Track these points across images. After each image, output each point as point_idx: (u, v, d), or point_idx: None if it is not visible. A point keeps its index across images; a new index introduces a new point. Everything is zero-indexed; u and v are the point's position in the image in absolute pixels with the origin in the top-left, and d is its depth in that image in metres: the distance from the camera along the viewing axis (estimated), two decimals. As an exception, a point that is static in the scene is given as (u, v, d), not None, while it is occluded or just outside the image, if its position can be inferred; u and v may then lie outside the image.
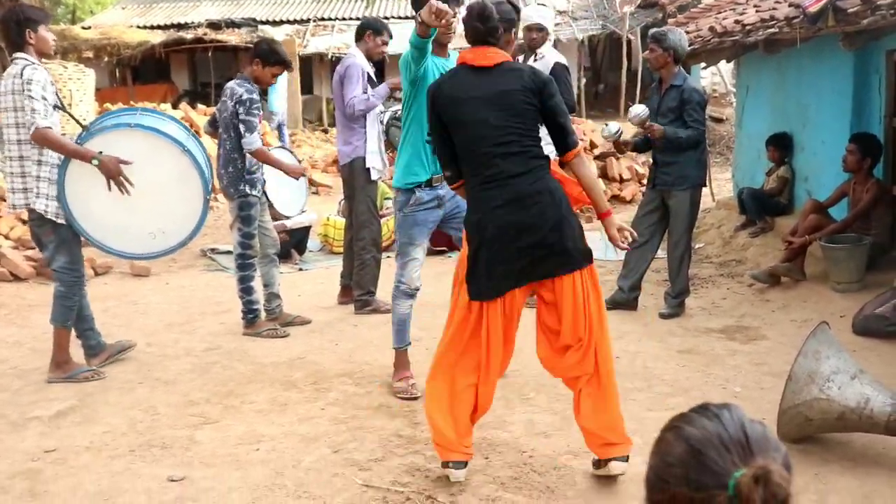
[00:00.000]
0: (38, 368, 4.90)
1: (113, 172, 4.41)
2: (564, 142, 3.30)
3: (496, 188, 3.23)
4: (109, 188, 4.43)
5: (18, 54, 4.51)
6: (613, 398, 3.38)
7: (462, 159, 3.34)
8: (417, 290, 4.47)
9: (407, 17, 21.36)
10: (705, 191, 8.41)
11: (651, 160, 5.93)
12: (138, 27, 21.10)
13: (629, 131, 7.10)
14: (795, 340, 4.51)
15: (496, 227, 3.23)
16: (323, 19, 21.25)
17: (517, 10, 3.41)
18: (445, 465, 3.37)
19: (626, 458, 3.33)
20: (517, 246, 3.22)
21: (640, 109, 5.52)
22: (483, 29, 3.24)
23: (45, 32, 4.58)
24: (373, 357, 5.03)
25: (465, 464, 3.38)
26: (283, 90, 15.25)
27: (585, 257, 3.30)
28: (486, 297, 3.27)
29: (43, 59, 4.66)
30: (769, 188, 7.72)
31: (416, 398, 4.31)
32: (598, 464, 3.38)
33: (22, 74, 4.39)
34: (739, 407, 1.28)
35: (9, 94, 4.44)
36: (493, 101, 3.19)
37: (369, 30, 5.96)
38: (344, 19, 21.13)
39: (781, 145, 7.68)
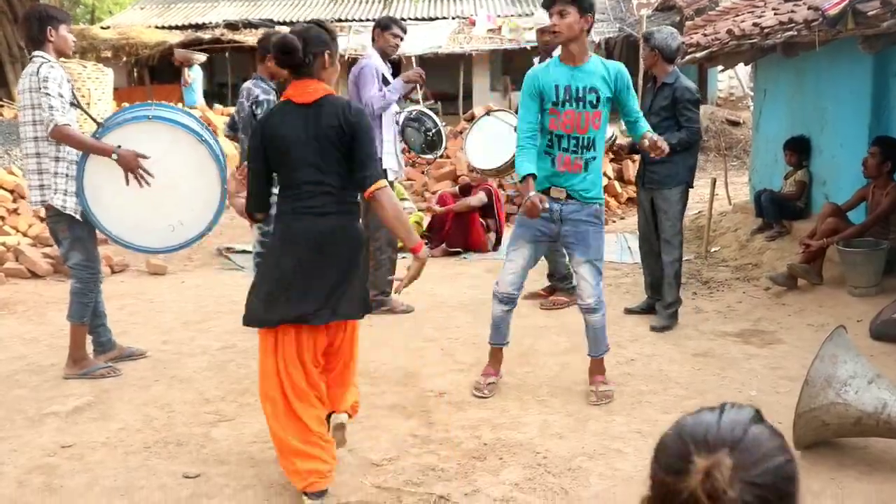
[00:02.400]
0: (54, 365, 4.94)
1: (132, 166, 4.42)
2: (361, 181, 3.24)
3: (295, 222, 3.25)
4: (128, 182, 4.44)
5: (37, 52, 4.56)
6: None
7: (279, 190, 3.36)
8: (509, 296, 4.41)
9: (424, 19, 21.40)
10: (721, 193, 8.33)
11: (640, 158, 5.89)
12: (156, 27, 21.25)
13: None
14: (812, 345, 4.48)
15: (287, 259, 3.24)
16: (340, 20, 21.31)
17: (328, 31, 3.33)
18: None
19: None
20: (296, 281, 3.21)
21: None
22: (290, 62, 3.23)
23: (65, 32, 4.62)
24: (387, 357, 5.03)
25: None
26: (200, 86, 15.56)
27: (361, 308, 3.33)
28: (257, 324, 3.27)
29: (61, 59, 4.70)
30: (787, 192, 7.68)
31: (484, 398, 4.34)
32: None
33: (38, 72, 4.43)
34: (757, 410, 1.27)
35: (26, 91, 4.48)
36: (308, 140, 3.19)
37: (377, 28, 6.05)
38: (360, 20, 21.20)
39: (799, 149, 7.65)
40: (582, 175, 4.20)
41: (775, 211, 7.50)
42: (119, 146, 4.41)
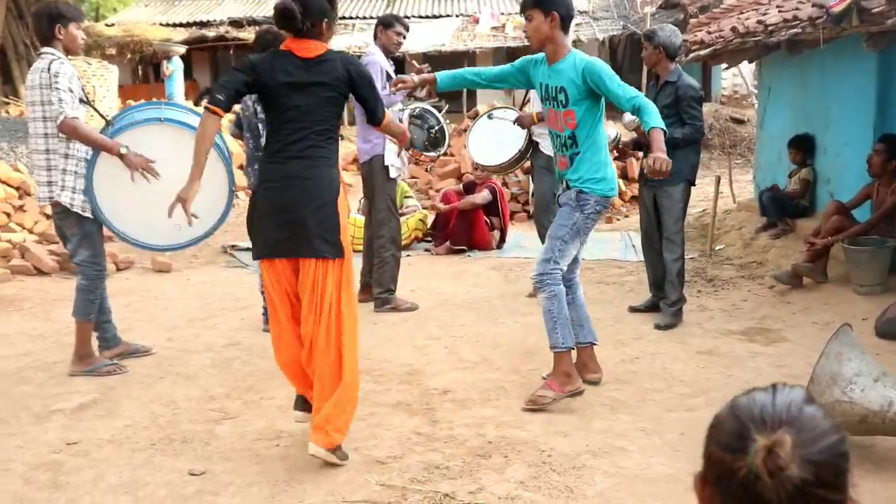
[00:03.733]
0: (60, 361, 4.96)
1: (137, 164, 4.46)
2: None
3: (279, 164, 3.50)
4: (133, 178, 4.47)
5: (46, 49, 4.58)
6: (344, 398, 3.53)
7: (268, 131, 3.60)
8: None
9: (427, 17, 21.37)
10: (726, 191, 8.29)
11: (643, 156, 5.87)
12: (161, 25, 21.24)
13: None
14: (817, 343, 4.47)
15: (267, 198, 3.52)
16: (343, 18, 21.27)
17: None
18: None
19: (332, 451, 3.49)
20: (278, 219, 3.48)
21: (633, 116, 5.52)
22: (292, 27, 3.46)
23: (75, 30, 4.64)
24: (392, 355, 5.04)
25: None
26: (181, 77, 15.91)
27: (333, 251, 3.49)
28: (257, 257, 3.60)
29: (69, 56, 4.71)
30: (791, 190, 7.67)
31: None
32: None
33: (49, 68, 4.45)
34: (808, 392, 1.29)
35: (36, 88, 4.49)
36: (307, 90, 3.45)
37: (380, 25, 6.09)
38: (364, 18, 21.16)
39: (804, 147, 7.63)
40: (571, 169, 4.26)
41: (777, 209, 7.50)
42: (127, 146, 4.45)
